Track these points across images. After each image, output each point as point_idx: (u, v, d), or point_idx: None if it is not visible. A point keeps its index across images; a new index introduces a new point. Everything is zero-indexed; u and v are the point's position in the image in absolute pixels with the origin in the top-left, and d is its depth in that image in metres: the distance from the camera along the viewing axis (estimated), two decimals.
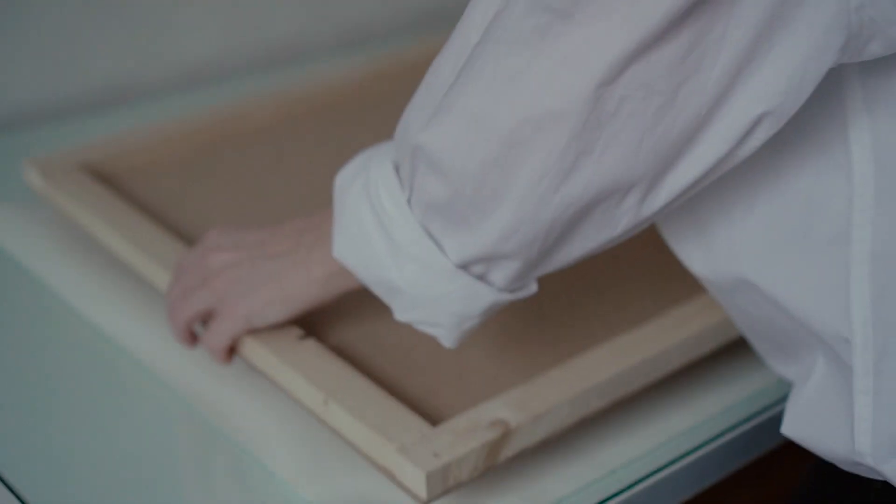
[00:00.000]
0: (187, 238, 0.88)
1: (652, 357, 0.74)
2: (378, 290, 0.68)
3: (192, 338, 0.78)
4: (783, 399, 0.76)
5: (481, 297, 0.65)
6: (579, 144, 0.56)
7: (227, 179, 0.97)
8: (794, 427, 0.64)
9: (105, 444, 0.75)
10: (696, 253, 0.66)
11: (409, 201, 0.64)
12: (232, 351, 0.77)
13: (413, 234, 0.64)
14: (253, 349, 0.76)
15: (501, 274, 0.64)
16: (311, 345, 0.75)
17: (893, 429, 0.59)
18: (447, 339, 0.68)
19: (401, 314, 0.68)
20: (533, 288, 0.67)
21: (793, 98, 0.55)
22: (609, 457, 0.74)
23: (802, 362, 0.64)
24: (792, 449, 0.70)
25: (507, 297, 0.65)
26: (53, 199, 0.92)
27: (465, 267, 0.64)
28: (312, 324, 0.77)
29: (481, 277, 0.65)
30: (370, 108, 1.09)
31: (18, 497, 0.69)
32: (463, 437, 0.67)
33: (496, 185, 0.59)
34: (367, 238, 0.66)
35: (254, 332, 0.75)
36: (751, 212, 0.62)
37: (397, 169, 0.66)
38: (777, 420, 0.71)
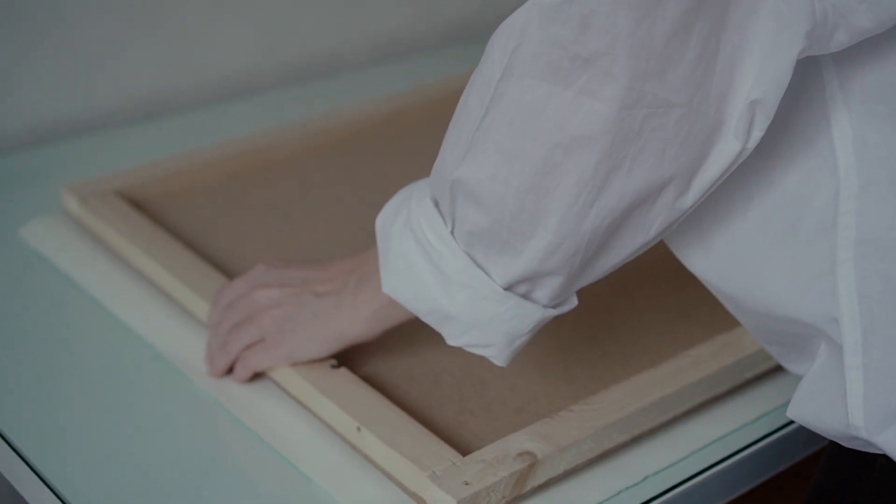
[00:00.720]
0: (217, 262, 0.91)
1: (671, 395, 0.77)
2: (429, 320, 0.71)
3: (229, 371, 0.81)
4: None
5: (529, 315, 0.68)
6: (609, 163, 0.60)
7: (255, 206, 1.00)
8: (797, 409, 0.66)
9: (145, 445, 0.76)
10: (698, 256, 0.68)
11: (452, 233, 0.68)
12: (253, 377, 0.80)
13: (460, 263, 0.67)
14: (288, 377, 0.79)
15: (545, 291, 0.67)
16: (343, 374, 0.78)
17: (883, 401, 0.61)
18: (499, 358, 0.71)
19: (453, 339, 0.71)
20: (574, 301, 0.70)
21: (774, 86, 0.58)
22: (642, 464, 0.76)
23: (812, 358, 0.67)
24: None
25: (551, 312, 0.69)
26: (90, 224, 0.95)
27: (510, 288, 0.67)
28: (343, 354, 0.80)
29: (526, 296, 0.68)
30: (394, 141, 1.12)
31: (59, 496, 0.71)
32: (492, 466, 0.70)
33: (534, 208, 0.63)
34: (416, 271, 0.69)
35: None
36: (746, 213, 0.65)
37: (436, 204, 0.69)
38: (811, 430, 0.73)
